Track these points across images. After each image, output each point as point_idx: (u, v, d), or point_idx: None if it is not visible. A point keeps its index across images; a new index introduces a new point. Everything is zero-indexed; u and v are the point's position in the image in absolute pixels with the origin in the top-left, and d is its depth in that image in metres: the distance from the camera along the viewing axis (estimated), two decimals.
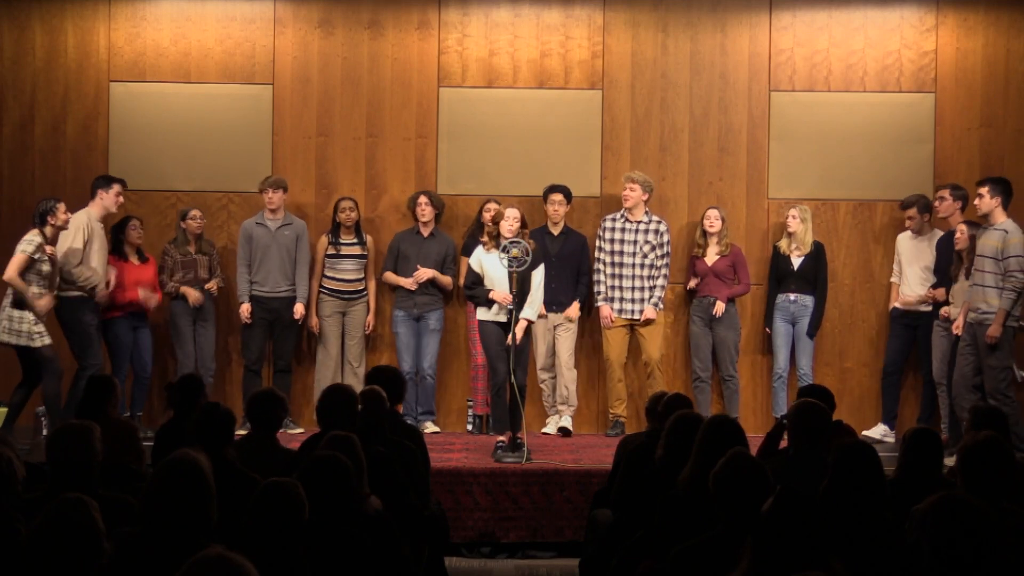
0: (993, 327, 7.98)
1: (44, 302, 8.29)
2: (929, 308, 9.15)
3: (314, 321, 9.42)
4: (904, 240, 9.45)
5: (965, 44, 9.86)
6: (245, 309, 9.25)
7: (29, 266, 8.19)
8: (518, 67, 9.85)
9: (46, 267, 8.30)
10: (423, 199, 9.40)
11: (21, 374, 8.50)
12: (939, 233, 9.30)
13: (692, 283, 9.48)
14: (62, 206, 8.40)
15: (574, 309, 9.37)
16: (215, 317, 9.42)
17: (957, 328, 8.36)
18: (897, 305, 9.41)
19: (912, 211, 9.32)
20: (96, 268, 8.65)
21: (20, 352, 8.38)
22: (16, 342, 8.27)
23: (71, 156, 9.75)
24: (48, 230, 8.33)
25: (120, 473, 5.38)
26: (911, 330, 9.35)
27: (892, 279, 9.52)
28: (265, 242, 9.29)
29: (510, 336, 7.85)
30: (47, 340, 8.30)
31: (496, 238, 8.04)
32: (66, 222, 8.41)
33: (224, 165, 9.77)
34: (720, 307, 9.31)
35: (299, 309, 9.30)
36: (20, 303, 8.23)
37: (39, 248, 8.24)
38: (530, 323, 8.08)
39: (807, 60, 9.85)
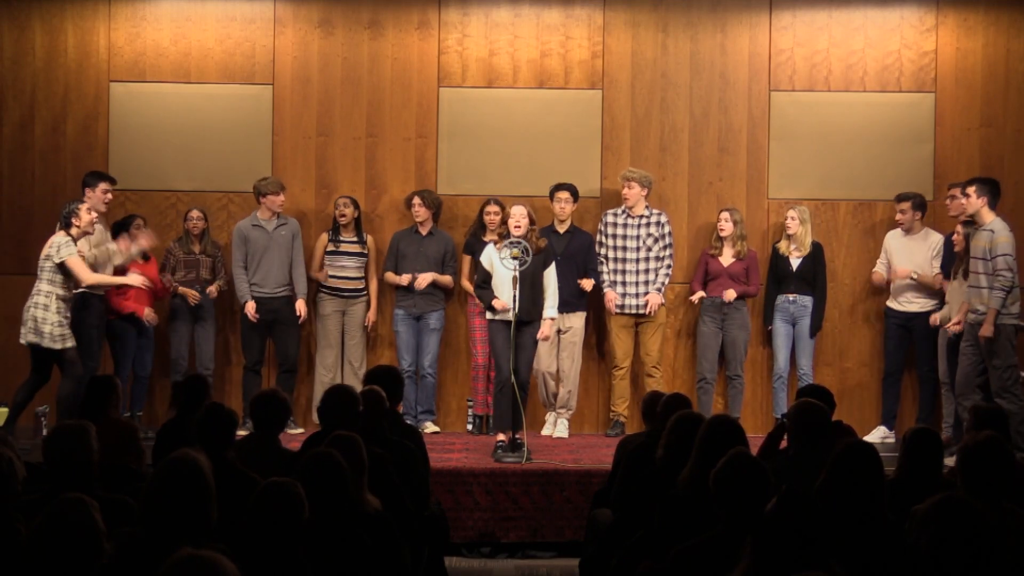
0: (985, 326, 7.99)
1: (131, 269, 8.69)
2: (924, 309, 9.17)
3: (301, 303, 9.29)
4: (894, 239, 9.40)
5: (965, 44, 9.85)
6: (251, 307, 9.22)
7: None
8: (518, 67, 9.85)
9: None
10: (416, 200, 9.41)
11: (25, 374, 8.43)
12: (931, 233, 9.30)
13: (697, 295, 9.41)
14: (84, 207, 8.35)
15: (588, 283, 9.24)
16: (214, 318, 9.43)
17: (958, 326, 8.36)
18: (891, 305, 9.38)
19: (906, 205, 9.29)
20: (95, 269, 8.62)
21: (37, 352, 8.32)
22: (42, 343, 8.20)
23: (71, 156, 9.75)
24: (74, 231, 8.29)
25: (120, 473, 5.39)
26: (906, 330, 9.34)
27: (876, 269, 9.48)
28: (263, 243, 9.28)
29: (540, 333, 8.17)
30: (71, 343, 8.26)
31: (506, 237, 8.08)
32: (90, 223, 8.36)
33: (224, 165, 9.77)
34: (731, 294, 9.25)
35: (300, 306, 9.29)
36: (51, 305, 8.19)
37: (75, 245, 8.26)
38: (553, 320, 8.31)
39: (807, 60, 9.85)
